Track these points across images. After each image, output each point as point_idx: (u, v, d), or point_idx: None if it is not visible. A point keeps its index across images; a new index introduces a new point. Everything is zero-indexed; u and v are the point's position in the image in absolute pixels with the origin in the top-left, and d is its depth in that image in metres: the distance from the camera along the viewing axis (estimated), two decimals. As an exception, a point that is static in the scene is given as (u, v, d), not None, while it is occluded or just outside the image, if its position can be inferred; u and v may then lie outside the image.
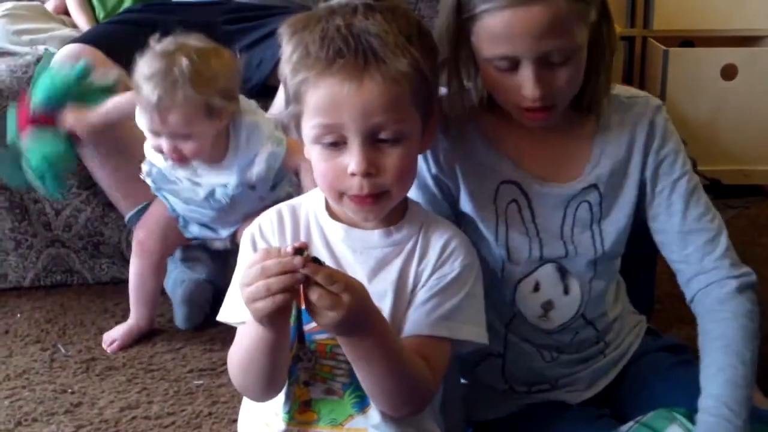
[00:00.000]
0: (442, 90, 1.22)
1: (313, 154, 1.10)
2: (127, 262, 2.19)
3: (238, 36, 2.19)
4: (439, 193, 1.26)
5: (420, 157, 1.24)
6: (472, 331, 1.14)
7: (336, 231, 1.15)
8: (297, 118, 1.10)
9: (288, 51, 1.08)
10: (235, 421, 1.58)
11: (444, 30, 1.19)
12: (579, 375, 1.35)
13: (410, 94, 1.06)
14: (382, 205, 1.11)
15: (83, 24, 2.54)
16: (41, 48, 2.29)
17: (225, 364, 1.79)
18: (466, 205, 1.26)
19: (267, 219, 1.17)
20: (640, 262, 1.47)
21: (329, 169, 1.08)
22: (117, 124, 1.97)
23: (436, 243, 1.15)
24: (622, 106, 1.28)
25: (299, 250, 0.97)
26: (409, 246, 1.15)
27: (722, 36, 2.83)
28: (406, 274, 1.14)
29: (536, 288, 1.28)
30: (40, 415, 1.65)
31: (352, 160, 1.06)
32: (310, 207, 1.18)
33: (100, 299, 2.14)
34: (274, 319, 0.99)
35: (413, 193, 1.25)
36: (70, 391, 1.73)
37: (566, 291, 1.29)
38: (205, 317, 1.96)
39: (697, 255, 1.26)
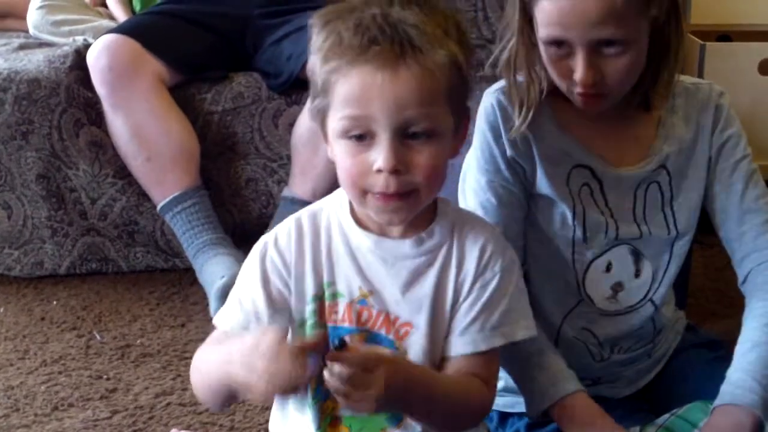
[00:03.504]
0: (519, 78, 1.25)
1: (338, 150, 1.04)
2: (161, 250, 2.23)
3: (271, 30, 2.20)
4: (512, 176, 1.26)
5: (492, 141, 1.26)
6: (525, 328, 1.10)
7: (363, 241, 1.09)
8: (323, 113, 1.04)
9: (319, 40, 1.03)
10: (268, 408, 1.60)
11: (512, 16, 1.21)
12: (623, 374, 1.36)
13: (446, 89, 1.01)
14: (410, 205, 1.04)
15: (121, 15, 2.56)
16: (80, 39, 2.31)
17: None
18: (543, 187, 1.26)
19: (285, 230, 1.11)
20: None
21: (354, 164, 1.02)
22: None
23: (473, 248, 1.09)
24: (687, 91, 1.29)
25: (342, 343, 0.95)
26: (443, 253, 1.09)
27: (760, 30, 2.80)
28: (443, 286, 1.08)
29: (608, 269, 1.29)
30: (76, 401, 1.67)
31: (379, 155, 1.00)
32: (333, 213, 1.11)
33: (135, 287, 2.15)
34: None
35: (483, 178, 1.26)
36: (105, 377, 1.75)
37: (637, 274, 1.30)
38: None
39: (752, 233, 1.27)
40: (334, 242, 1.09)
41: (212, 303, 1.96)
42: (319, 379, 1.02)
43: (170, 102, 2.10)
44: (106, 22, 2.49)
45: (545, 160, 1.26)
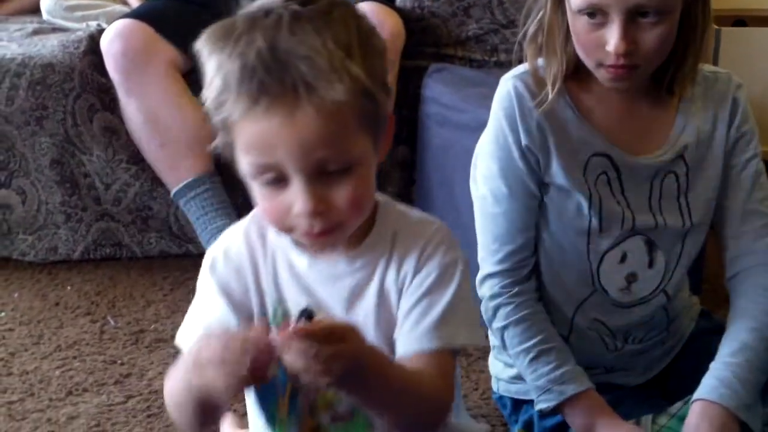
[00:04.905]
0: (539, 62, 1.24)
1: (255, 191, 0.96)
2: (175, 236, 2.23)
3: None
4: (525, 165, 1.25)
5: (508, 129, 1.24)
6: (469, 334, 1.02)
7: (300, 261, 1.03)
8: (230, 149, 0.95)
9: (209, 74, 0.93)
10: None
11: None
12: (636, 362, 1.36)
13: (354, 119, 0.92)
14: (337, 236, 0.97)
15: (134, 0, 2.56)
16: (93, 24, 2.31)
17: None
18: (558, 177, 1.25)
19: (236, 244, 1.04)
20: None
21: (272, 208, 0.95)
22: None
23: (413, 249, 1.02)
24: (706, 80, 1.28)
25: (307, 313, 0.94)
26: (381, 265, 1.02)
27: (776, 15, 2.78)
28: (386, 297, 1.02)
29: (623, 259, 1.28)
30: (91, 386, 1.68)
31: (297, 200, 0.92)
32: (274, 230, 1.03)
33: (149, 273, 2.16)
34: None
35: (496, 166, 1.25)
36: (119, 362, 1.76)
37: (651, 264, 1.29)
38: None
39: (752, 235, 1.27)
40: (279, 261, 1.04)
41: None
42: (294, 392, 1.00)
43: (184, 87, 2.09)
44: (119, 7, 2.49)
45: (562, 150, 1.25)
